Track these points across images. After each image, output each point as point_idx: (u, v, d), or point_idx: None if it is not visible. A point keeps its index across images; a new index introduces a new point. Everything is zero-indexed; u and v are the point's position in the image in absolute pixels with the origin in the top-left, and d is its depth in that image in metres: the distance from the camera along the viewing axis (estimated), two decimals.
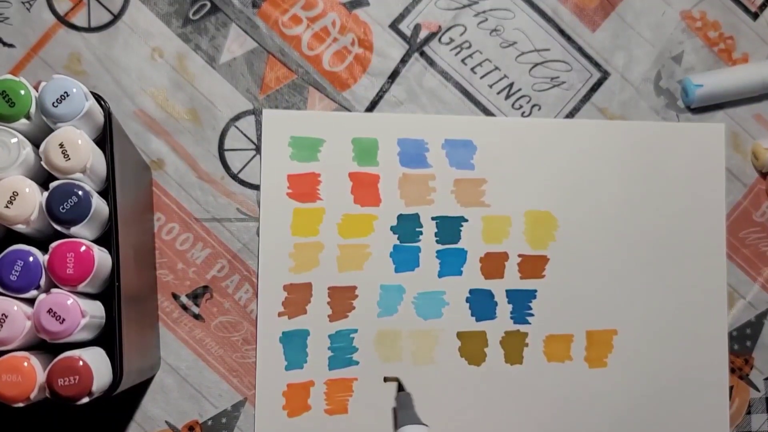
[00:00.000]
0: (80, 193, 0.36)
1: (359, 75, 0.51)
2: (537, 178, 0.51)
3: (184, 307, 0.49)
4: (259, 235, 0.49)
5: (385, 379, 0.48)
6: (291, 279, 0.49)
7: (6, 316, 0.35)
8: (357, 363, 0.49)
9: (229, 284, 0.49)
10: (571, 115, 0.52)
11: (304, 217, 0.49)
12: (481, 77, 0.52)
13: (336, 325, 0.49)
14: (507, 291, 0.50)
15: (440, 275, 0.50)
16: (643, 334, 0.50)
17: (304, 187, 0.50)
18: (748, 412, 0.51)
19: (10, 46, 0.49)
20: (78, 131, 0.37)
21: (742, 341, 0.52)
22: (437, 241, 0.50)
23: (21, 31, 0.49)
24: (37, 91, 0.37)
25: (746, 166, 0.53)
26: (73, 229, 0.36)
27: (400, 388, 0.48)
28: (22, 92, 0.36)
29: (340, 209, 0.50)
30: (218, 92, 0.50)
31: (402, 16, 0.52)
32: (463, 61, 0.52)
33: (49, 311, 0.35)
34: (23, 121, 0.37)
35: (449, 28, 0.52)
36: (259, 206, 0.50)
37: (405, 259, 0.50)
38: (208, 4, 0.51)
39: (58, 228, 0.36)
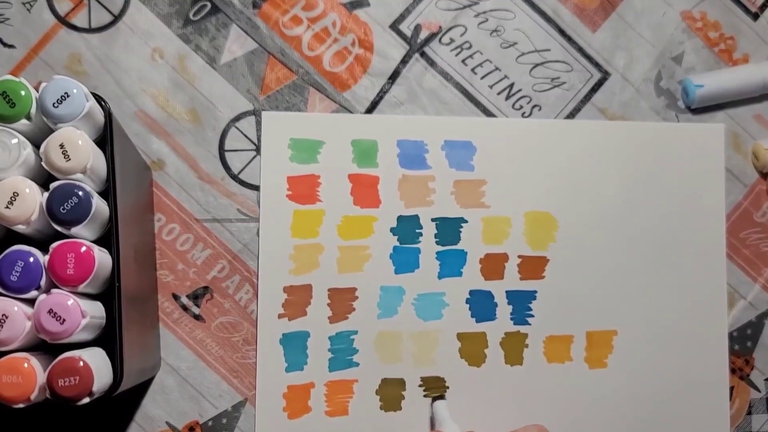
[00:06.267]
0: (81, 193, 0.36)
1: (360, 75, 0.51)
2: (537, 179, 0.51)
3: (185, 308, 0.49)
4: (259, 237, 0.49)
5: (433, 399, 0.49)
6: (291, 281, 0.49)
7: (6, 317, 0.35)
8: (357, 365, 0.49)
9: (230, 285, 0.49)
10: (571, 115, 0.52)
11: (304, 219, 0.49)
12: (482, 78, 0.52)
13: (336, 326, 0.49)
14: (507, 292, 0.50)
15: (440, 276, 0.50)
16: (644, 334, 0.50)
17: (303, 189, 0.50)
18: (749, 413, 0.51)
19: (11, 46, 0.49)
20: (78, 132, 0.37)
21: (742, 341, 0.52)
22: (437, 243, 0.50)
23: (21, 31, 0.49)
24: (38, 92, 0.37)
25: (747, 166, 0.53)
26: (74, 230, 0.36)
27: (440, 397, 0.49)
28: (23, 93, 0.36)
29: (340, 211, 0.50)
30: (219, 93, 0.50)
31: (402, 17, 0.52)
32: (463, 61, 0.52)
33: (50, 312, 0.35)
34: (24, 121, 0.37)
35: (450, 29, 0.52)
36: (259, 207, 0.50)
37: (405, 260, 0.50)
38: (209, 5, 0.51)
39: (59, 228, 0.36)
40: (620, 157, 0.51)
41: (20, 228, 0.36)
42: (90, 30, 0.50)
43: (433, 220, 0.50)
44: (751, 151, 0.53)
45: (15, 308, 0.35)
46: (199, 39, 0.50)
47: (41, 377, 0.35)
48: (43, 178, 0.37)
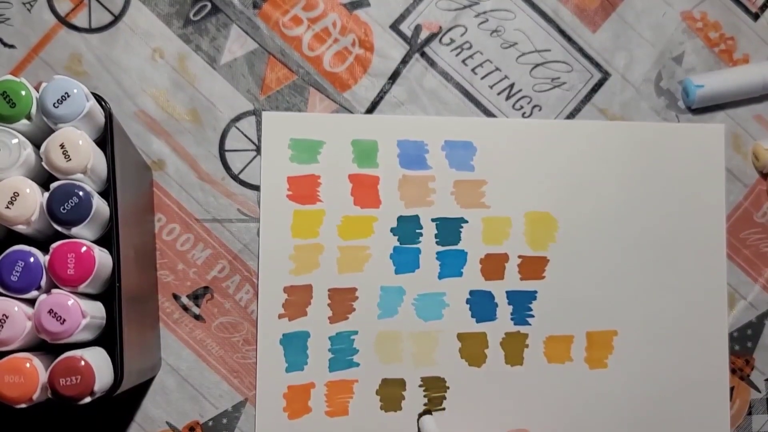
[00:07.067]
0: (81, 193, 0.36)
1: (360, 76, 0.51)
2: (537, 179, 0.51)
3: (185, 308, 0.49)
4: (259, 237, 0.49)
5: (420, 414, 0.49)
6: (291, 281, 0.49)
7: (7, 317, 0.35)
8: (357, 365, 0.49)
9: (230, 285, 0.49)
10: (571, 115, 0.52)
11: (304, 219, 0.49)
12: (482, 78, 0.52)
13: (336, 326, 0.49)
14: (507, 292, 0.50)
15: (440, 277, 0.50)
16: (644, 335, 0.50)
17: (304, 189, 0.50)
18: (749, 413, 0.51)
19: (11, 46, 0.49)
20: (79, 132, 0.37)
21: (742, 342, 0.52)
22: (437, 243, 0.50)
23: (22, 31, 0.49)
24: (38, 92, 0.37)
25: (747, 166, 0.53)
26: (74, 230, 0.36)
27: (426, 412, 0.49)
28: (23, 93, 0.36)
29: (340, 211, 0.50)
30: (219, 93, 0.50)
31: (403, 17, 0.52)
32: (463, 61, 0.52)
33: (50, 312, 0.35)
34: (24, 121, 0.37)
35: (450, 29, 0.52)
36: (259, 207, 0.50)
37: (405, 260, 0.50)
38: (209, 5, 0.51)
39: (59, 228, 0.36)
40: (620, 158, 0.51)
41: (21, 228, 0.36)
42: (90, 30, 0.50)
43: (433, 220, 0.50)
44: (752, 151, 0.53)
45: (15, 308, 0.35)
46: (200, 39, 0.50)
47: (43, 377, 0.35)
48: (44, 178, 0.37)
